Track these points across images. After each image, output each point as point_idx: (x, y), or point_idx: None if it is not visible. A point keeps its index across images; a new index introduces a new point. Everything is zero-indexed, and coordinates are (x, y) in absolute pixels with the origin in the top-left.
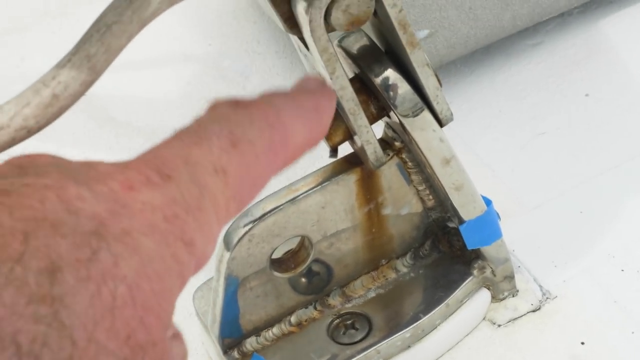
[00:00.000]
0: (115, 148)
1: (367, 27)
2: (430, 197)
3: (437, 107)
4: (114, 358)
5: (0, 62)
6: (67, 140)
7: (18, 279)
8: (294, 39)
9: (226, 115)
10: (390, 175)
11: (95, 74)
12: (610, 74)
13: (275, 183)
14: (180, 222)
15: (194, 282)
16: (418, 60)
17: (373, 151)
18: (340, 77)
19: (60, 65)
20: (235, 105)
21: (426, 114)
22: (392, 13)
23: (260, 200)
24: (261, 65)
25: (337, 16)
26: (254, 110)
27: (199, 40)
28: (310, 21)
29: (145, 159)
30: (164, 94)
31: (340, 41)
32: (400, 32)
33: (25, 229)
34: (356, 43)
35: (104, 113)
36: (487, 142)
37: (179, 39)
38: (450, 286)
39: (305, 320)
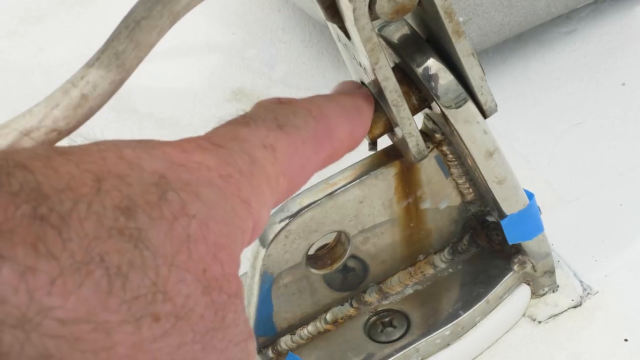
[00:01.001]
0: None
1: (409, 16)
2: (470, 190)
3: (482, 98)
4: (195, 286)
5: (17, 52)
6: (88, 132)
7: (97, 212)
8: (333, 28)
9: (271, 107)
10: (429, 168)
11: (125, 72)
12: None
13: (313, 178)
14: (235, 181)
15: None
16: (463, 49)
17: (415, 144)
18: (383, 67)
19: (89, 64)
20: (279, 101)
21: (470, 105)
22: (438, 1)
23: (297, 195)
24: (286, 54)
25: (382, 4)
26: (298, 105)
27: (223, 29)
28: (354, 9)
29: (194, 136)
30: (188, 85)
31: (380, 30)
32: (446, 21)
33: (95, 176)
34: (397, 32)
35: (127, 104)
36: (522, 133)
37: (202, 29)
38: (489, 282)
39: (341, 318)
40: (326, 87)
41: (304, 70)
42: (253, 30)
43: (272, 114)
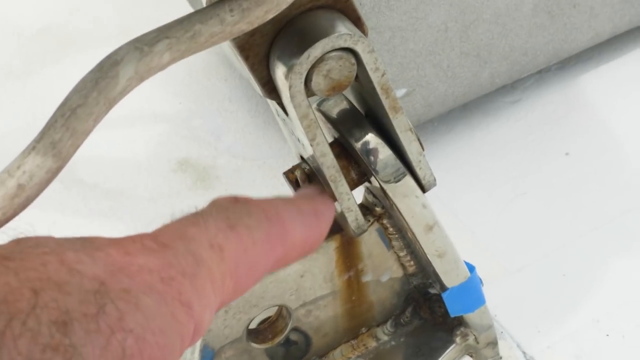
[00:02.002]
0: (83, 211)
1: (347, 90)
2: (412, 263)
3: (420, 173)
4: None
5: None
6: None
7: (32, 329)
8: (272, 103)
9: (224, 206)
10: (370, 241)
11: (61, 160)
12: (590, 132)
13: None
14: (177, 284)
15: None
16: (400, 125)
17: (354, 218)
18: (320, 143)
19: (25, 153)
20: (235, 199)
21: (408, 180)
22: (375, 77)
23: None
24: (233, 124)
25: (317, 81)
26: (253, 204)
27: (169, 98)
28: (290, 87)
29: (141, 234)
30: (133, 155)
31: (319, 105)
32: (382, 97)
33: (33, 287)
34: (336, 107)
35: (72, 174)
36: (466, 203)
37: (148, 98)
38: (432, 354)
39: None
40: (273, 156)
41: (250, 140)
42: (199, 99)
43: (225, 212)
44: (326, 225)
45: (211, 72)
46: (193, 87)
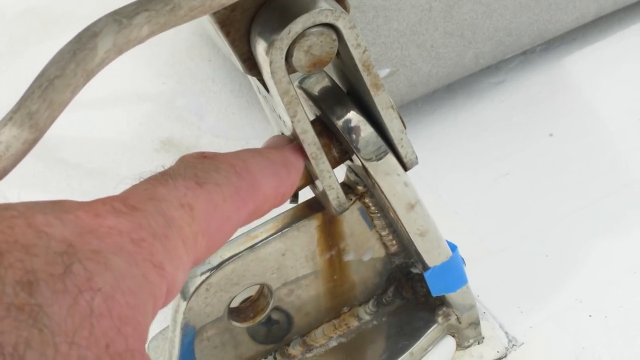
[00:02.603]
0: (66, 190)
1: (329, 68)
2: (394, 242)
3: (402, 151)
4: None
5: None
6: (15, 182)
7: None
8: (253, 80)
9: (192, 163)
10: (352, 220)
11: (38, 132)
12: (574, 113)
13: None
14: (148, 245)
15: (150, 331)
16: (382, 102)
17: (336, 196)
18: (301, 120)
19: (2, 123)
20: (202, 156)
21: (390, 158)
22: (356, 54)
23: None
24: (216, 104)
25: (298, 57)
26: (221, 160)
27: (152, 79)
28: (270, 62)
29: (110, 196)
30: (117, 135)
31: (300, 82)
32: (364, 74)
33: None
34: (317, 84)
35: (54, 154)
36: (449, 183)
37: (131, 78)
38: (414, 334)
39: None
40: (256, 137)
41: (233, 120)
42: (183, 80)
43: (192, 170)
44: (296, 173)
45: (195, 52)
46: (176, 68)
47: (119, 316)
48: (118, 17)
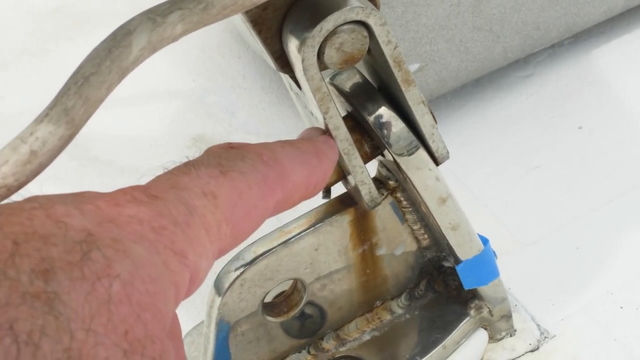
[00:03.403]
0: (98, 188)
1: (360, 64)
2: (425, 236)
3: (433, 146)
4: (114, 350)
5: None
6: (49, 180)
7: (10, 278)
8: (285, 77)
9: (217, 153)
10: (384, 215)
11: (74, 128)
12: (603, 105)
13: (267, 224)
14: (169, 232)
15: (184, 327)
16: (413, 97)
17: (368, 191)
18: (334, 116)
19: (38, 120)
20: (229, 146)
21: (422, 153)
22: (387, 50)
23: (252, 244)
24: (247, 101)
25: (330, 54)
26: (247, 149)
27: (183, 76)
28: (303, 60)
29: (132, 186)
30: (148, 132)
31: (332, 79)
32: (395, 70)
33: (15, 239)
34: (349, 80)
35: (87, 152)
36: (479, 177)
37: (162, 76)
38: (446, 327)
39: None
40: (287, 133)
41: (264, 116)
42: (214, 77)
43: (216, 159)
44: (329, 163)
45: (225, 49)
46: (207, 65)
47: (138, 303)
48: (152, 16)
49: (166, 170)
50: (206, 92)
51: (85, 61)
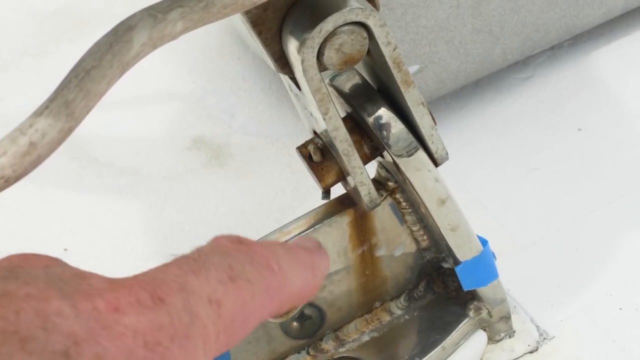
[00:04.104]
0: (98, 189)
1: (359, 66)
2: (425, 237)
3: (432, 147)
4: None
5: None
6: (49, 181)
7: None
8: (285, 78)
9: (227, 250)
10: (383, 216)
11: (74, 121)
12: (603, 108)
13: (267, 225)
14: (162, 349)
15: None
16: (412, 99)
17: (367, 192)
18: (333, 117)
19: (38, 112)
20: (238, 242)
21: (421, 154)
22: (386, 51)
23: None
24: (247, 102)
25: (330, 55)
26: (256, 251)
27: (183, 78)
28: (302, 61)
29: (140, 279)
30: (148, 134)
31: (331, 80)
32: (394, 71)
33: None
34: (348, 82)
35: (87, 153)
36: (479, 179)
37: (162, 77)
38: (446, 328)
39: None
40: (286, 134)
41: (264, 118)
42: (213, 78)
43: (227, 260)
44: (321, 279)
45: (225, 51)
46: (207, 66)
47: None
48: (153, 12)
49: (175, 260)
50: (206, 94)
51: (86, 55)
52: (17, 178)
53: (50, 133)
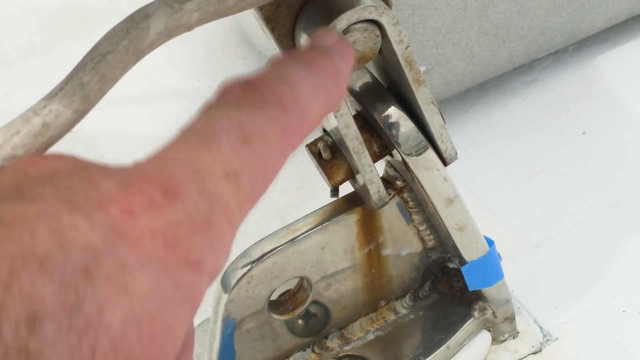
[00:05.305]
0: None
1: (369, 64)
2: (431, 237)
3: (442, 146)
4: None
5: None
6: None
7: None
8: None
9: (236, 102)
10: (391, 215)
11: (88, 104)
12: (607, 112)
13: (271, 224)
14: (185, 242)
15: None
16: (423, 97)
17: (376, 191)
18: (345, 114)
19: (53, 93)
20: (247, 86)
21: (430, 153)
22: (399, 50)
23: (259, 241)
24: None
25: None
26: (267, 92)
27: (188, 76)
28: None
29: (150, 173)
30: (153, 132)
31: None
32: (406, 69)
33: (11, 268)
34: (358, 80)
35: (92, 151)
36: (483, 181)
37: (168, 76)
38: (450, 328)
39: None
40: None
41: None
42: (219, 77)
43: (237, 117)
44: (345, 82)
45: (230, 50)
46: (212, 66)
47: (126, 357)
48: (170, 2)
49: (182, 134)
50: (211, 93)
51: (102, 39)
52: None
53: (64, 114)
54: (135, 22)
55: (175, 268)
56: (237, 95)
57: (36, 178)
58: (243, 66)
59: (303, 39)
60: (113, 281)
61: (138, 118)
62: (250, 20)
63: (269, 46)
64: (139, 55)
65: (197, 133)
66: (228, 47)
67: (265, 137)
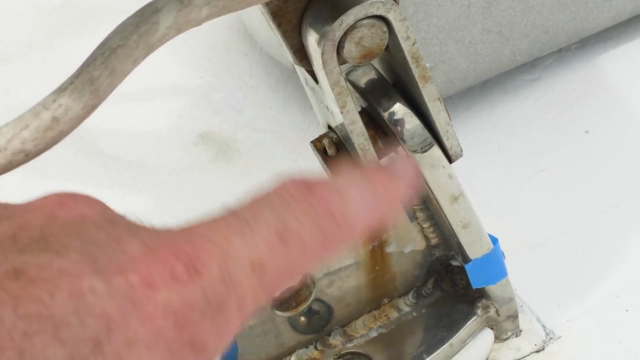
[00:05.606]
0: (104, 182)
1: (375, 61)
2: (435, 234)
3: (447, 143)
4: None
5: None
6: (54, 174)
7: None
8: (301, 71)
9: (288, 200)
10: None
11: (98, 98)
12: (610, 110)
13: None
14: (192, 326)
15: None
16: (430, 94)
17: None
18: (351, 111)
19: (62, 88)
20: (306, 189)
21: (436, 150)
22: (406, 46)
23: None
24: (254, 98)
25: (349, 49)
26: (321, 198)
27: (190, 73)
28: (322, 53)
29: (178, 244)
30: (154, 128)
31: (347, 74)
32: (412, 66)
33: (26, 331)
34: (364, 76)
35: (93, 146)
36: (486, 179)
37: (169, 72)
38: (453, 326)
39: None
40: (293, 130)
41: (270, 114)
42: (220, 74)
43: (281, 215)
44: (399, 211)
45: (232, 47)
46: (214, 62)
47: None
48: None
49: (225, 215)
50: (212, 89)
51: (112, 34)
52: (38, 153)
53: (73, 109)
54: (145, 16)
55: (179, 349)
56: (291, 193)
57: (64, 226)
58: (245, 63)
59: (310, 35)
60: (121, 359)
61: (139, 114)
62: (252, 16)
63: (271, 43)
64: (148, 49)
65: (239, 217)
66: (229, 43)
67: (302, 241)
